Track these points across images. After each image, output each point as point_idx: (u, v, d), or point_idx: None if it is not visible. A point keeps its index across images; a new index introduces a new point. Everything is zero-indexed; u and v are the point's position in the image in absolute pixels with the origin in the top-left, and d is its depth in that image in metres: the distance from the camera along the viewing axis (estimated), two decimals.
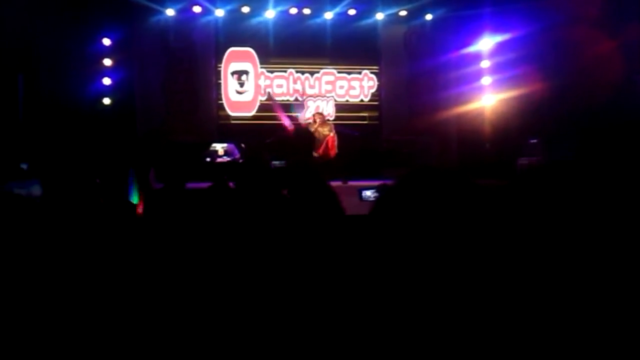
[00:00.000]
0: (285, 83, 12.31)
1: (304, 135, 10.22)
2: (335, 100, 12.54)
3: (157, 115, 11.41)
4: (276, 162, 10.00)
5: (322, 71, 12.45)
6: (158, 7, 11.43)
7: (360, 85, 12.71)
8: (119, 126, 10.58)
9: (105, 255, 1.72)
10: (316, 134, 10.34)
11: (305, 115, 12.11)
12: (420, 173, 0.93)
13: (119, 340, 1.33)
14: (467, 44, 11.94)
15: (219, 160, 10.85)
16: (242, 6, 11.72)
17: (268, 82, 12.20)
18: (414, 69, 12.57)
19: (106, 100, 10.85)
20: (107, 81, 10.83)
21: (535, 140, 10.27)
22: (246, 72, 12.08)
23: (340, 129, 11.01)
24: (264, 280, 1.36)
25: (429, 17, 12.58)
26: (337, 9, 12.14)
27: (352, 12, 12.22)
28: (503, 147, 11.02)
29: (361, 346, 0.88)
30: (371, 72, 12.73)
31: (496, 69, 11.73)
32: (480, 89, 12.08)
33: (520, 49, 10.57)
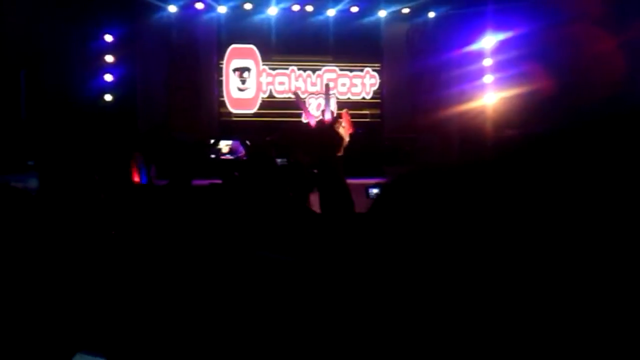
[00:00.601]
0: (287, 80, 12.30)
1: (331, 134, 10.25)
2: (337, 98, 12.54)
3: (158, 112, 11.42)
4: (278, 160, 10.00)
5: (324, 68, 12.44)
6: (160, 4, 11.43)
7: (362, 83, 12.70)
8: (121, 122, 10.58)
9: (103, 250, 1.72)
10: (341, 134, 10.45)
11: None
12: (419, 171, 0.93)
13: (117, 336, 1.33)
14: (470, 41, 11.93)
15: (222, 157, 10.85)
16: (245, 3, 11.71)
17: (270, 79, 12.20)
18: (416, 67, 12.57)
19: (108, 97, 10.85)
20: (109, 78, 10.84)
21: None
22: (248, 69, 12.08)
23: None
24: (268, 278, 1.36)
25: (431, 14, 12.56)
26: (340, 6, 12.13)
27: (354, 9, 12.21)
28: None
29: (362, 346, 0.87)
30: (373, 70, 12.72)
31: (498, 67, 11.71)
32: (483, 87, 12.06)
33: (523, 47, 10.55)
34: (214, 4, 11.70)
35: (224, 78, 12.02)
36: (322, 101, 12.43)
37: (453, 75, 12.07)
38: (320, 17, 12.23)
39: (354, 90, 12.67)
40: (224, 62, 11.99)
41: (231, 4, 11.74)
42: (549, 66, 9.89)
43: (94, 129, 10.04)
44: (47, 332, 1.43)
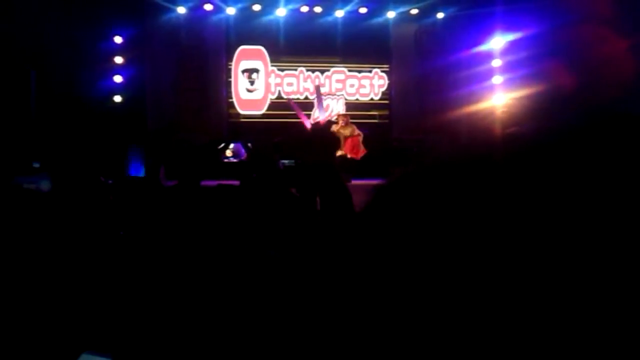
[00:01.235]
0: (295, 81, 12.31)
1: (325, 134, 10.26)
2: (346, 99, 12.53)
3: (167, 113, 11.45)
4: (285, 161, 10.02)
5: (332, 69, 12.44)
6: (169, 5, 11.47)
7: (370, 84, 12.69)
8: (130, 124, 10.62)
9: (112, 251, 1.73)
10: (337, 135, 10.53)
11: (315, 115, 12.12)
12: (417, 171, 0.92)
13: (124, 336, 1.34)
14: (478, 42, 11.89)
15: (226, 160, 10.86)
16: (253, 4, 11.74)
17: (278, 80, 12.21)
18: (425, 68, 12.54)
19: (117, 98, 10.90)
20: (118, 79, 10.89)
21: None
22: (257, 71, 12.09)
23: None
24: (272, 279, 1.36)
25: (440, 15, 12.53)
26: (348, 7, 12.12)
27: (363, 10, 12.20)
28: None
29: (365, 346, 0.87)
30: (382, 71, 12.70)
31: (507, 68, 11.67)
32: (491, 88, 12.02)
33: (532, 48, 10.50)
34: (222, 5, 11.73)
35: (232, 79, 12.04)
36: (330, 102, 12.43)
37: (462, 76, 12.03)
38: (329, 18, 12.23)
39: (362, 91, 12.66)
40: (233, 63, 12.01)
41: (240, 5, 11.77)
42: (558, 67, 9.84)
43: (103, 130, 10.08)
44: (55, 331, 1.43)
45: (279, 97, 12.15)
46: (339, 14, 12.20)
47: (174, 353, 1.28)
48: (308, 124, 10.98)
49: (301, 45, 12.03)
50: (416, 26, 12.72)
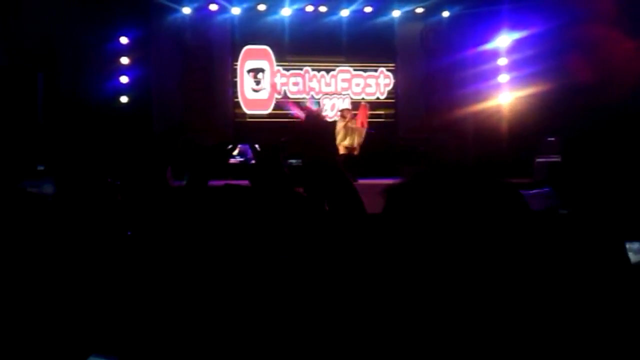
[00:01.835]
0: (301, 81, 12.31)
1: (318, 121, 10.28)
2: (352, 98, 12.52)
3: (173, 114, 11.48)
4: (293, 161, 10.02)
5: (338, 69, 12.44)
6: (175, 6, 11.49)
7: (376, 83, 12.68)
8: (136, 124, 10.66)
9: (119, 252, 1.73)
10: (347, 129, 10.60)
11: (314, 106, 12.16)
12: (432, 172, 0.93)
13: (131, 338, 1.34)
14: (484, 41, 11.86)
15: (232, 161, 10.86)
16: (259, 4, 11.74)
17: (284, 79, 12.22)
18: (431, 67, 12.51)
19: (123, 99, 10.93)
20: (124, 79, 10.92)
21: (552, 139, 10.17)
22: (262, 70, 12.10)
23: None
24: (280, 280, 1.36)
25: (445, 14, 12.50)
26: (354, 7, 12.11)
27: (368, 9, 12.19)
28: (520, 145, 10.92)
29: (374, 347, 0.87)
30: (387, 70, 12.69)
31: (513, 67, 11.64)
32: (498, 86, 11.99)
33: (538, 46, 10.47)
34: (227, 5, 11.74)
35: (238, 79, 12.06)
36: (336, 102, 12.43)
37: (468, 74, 12.00)
38: (334, 18, 12.23)
39: (368, 90, 12.65)
40: (238, 63, 12.02)
41: (245, 5, 11.78)
42: (564, 66, 9.80)
43: (110, 130, 10.12)
44: (62, 334, 1.44)
45: (285, 96, 12.15)
46: (344, 13, 12.19)
47: (181, 355, 1.28)
48: (299, 113, 11.02)
49: (306, 44, 12.02)
50: (422, 25, 12.70)
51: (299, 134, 10.49)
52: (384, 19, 12.48)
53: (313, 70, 12.32)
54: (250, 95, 12.12)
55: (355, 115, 10.99)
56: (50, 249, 1.60)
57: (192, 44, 11.76)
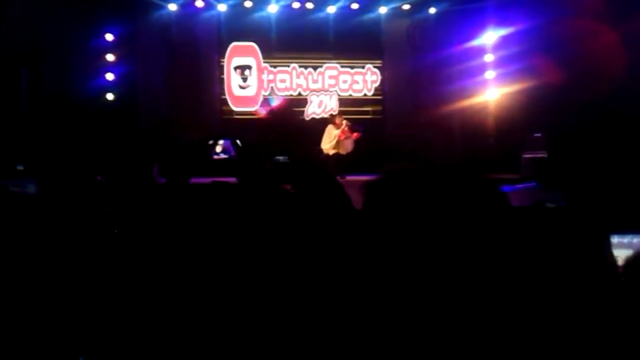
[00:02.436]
0: (288, 78, 12.28)
1: (284, 115, 10.29)
2: (339, 95, 12.52)
3: (160, 111, 11.41)
4: (280, 158, 10.00)
5: (325, 66, 12.43)
6: (160, 2, 11.42)
7: (363, 80, 12.69)
8: (122, 121, 10.58)
9: (105, 251, 1.72)
10: (343, 135, 10.68)
11: (308, 111, 12.15)
12: (409, 167, 0.93)
13: (117, 341, 1.33)
14: (471, 37, 11.90)
15: (215, 157, 10.80)
16: (245, 1, 11.69)
17: (271, 76, 12.18)
18: (418, 63, 12.54)
19: (109, 96, 10.85)
20: (110, 76, 10.83)
21: (539, 135, 10.24)
22: (249, 67, 12.06)
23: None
24: (269, 279, 1.35)
25: (432, 10, 12.53)
26: (340, 3, 12.10)
27: (355, 6, 12.18)
28: (507, 141, 10.99)
29: (365, 345, 0.87)
30: (374, 67, 12.70)
31: (500, 63, 11.69)
32: (484, 82, 12.04)
33: (524, 43, 10.52)
34: (214, 2, 11.68)
35: (225, 76, 12.00)
36: (323, 98, 12.42)
37: (454, 71, 12.04)
38: (321, 14, 12.21)
39: (355, 87, 12.65)
40: (225, 60, 11.97)
41: (231, 1, 11.73)
42: (550, 62, 9.87)
43: (95, 127, 10.03)
44: (48, 336, 1.42)
45: (273, 93, 12.12)
46: (331, 9, 12.17)
47: (168, 354, 1.27)
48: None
49: (293, 41, 12.00)
50: (408, 21, 12.72)
51: (268, 133, 10.49)
52: (370, 15, 12.48)
53: (300, 67, 12.30)
54: (238, 92, 12.08)
55: (347, 127, 11.03)
56: (34, 249, 1.58)
57: (178, 41, 11.69)
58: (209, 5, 11.68)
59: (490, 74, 11.97)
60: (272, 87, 12.04)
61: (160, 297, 1.38)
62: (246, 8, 11.78)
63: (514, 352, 0.85)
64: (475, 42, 11.95)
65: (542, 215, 1.15)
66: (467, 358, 0.82)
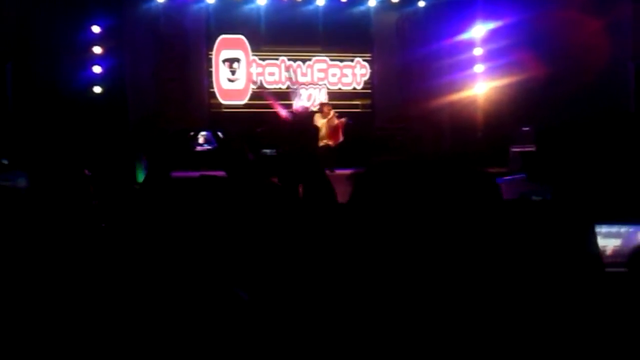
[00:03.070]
0: (277, 71, 12.25)
1: (305, 124, 10.24)
2: (328, 88, 12.50)
3: (148, 104, 11.32)
4: (267, 151, 9.99)
5: (314, 59, 12.40)
6: None
7: (352, 73, 12.67)
8: (110, 114, 10.49)
9: (93, 244, 1.71)
10: (329, 123, 10.62)
11: (299, 104, 12.11)
12: (387, 163, 0.93)
13: (105, 340, 1.32)
14: (460, 31, 11.91)
15: (199, 148, 10.73)
16: None
17: (260, 69, 12.14)
18: (407, 57, 12.54)
19: (97, 89, 10.75)
20: (97, 69, 10.73)
21: (527, 128, 10.29)
22: (238, 60, 12.01)
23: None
24: (257, 273, 1.35)
25: (421, 4, 12.52)
26: None
27: None
28: (495, 135, 11.04)
29: (355, 340, 0.87)
30: (364, 60, 12.68)
31: (489, 57, 11.71)
32: (473, 76, 12.06)
33: (513, 36, 10.55)
34: None
35: (213, 69, 11.95)
36: (312, 92, 12.40)
37: (443, 64, 12.05)
38: (310, 7, 12.17)
39: (344, 80, 12.64)
40: (214, 52, 11.91)
41: None
42: (539, 55, 9.91)
43: (83, 121, 9.95)
44: (37, 330, 1.42)
45: (261, 86, 12.08)
46: (320, 2, 12.13)
47: (157, 349, 1.27)
48: (285, 113, 10.94)
49: (282, 34, 11.95)
50: (397, 15, 12.71)
51: (280, 127, 10.42)
52: (360, 8, 12.46)
53: (289, 60, 12.26)
54: (226, 85, 12.03)
55: (333, 112, 10.99)
56: (24, 242, 1.57)
57: (166, 33, 11.60)
58: None
59: (479, 68, 12.00)
60: (289, 76, 11.98)
61: (149, 291, 1.37)
62: (235, 0, 11.72)
63: (500, 342, 0.85)
64: (465, 36, 11.97)
65: (527, 209, 1.16)
66: (456, 348, 0.83)
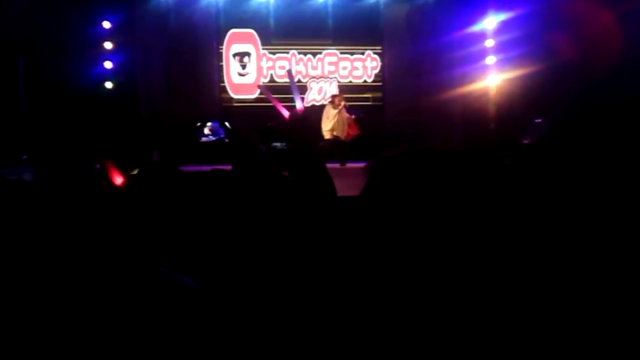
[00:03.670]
0: (287, 64, 12.23)
1: (304, 123, 10.20)
2: (338, 82, 12.47)
3: (159, 99, 11.36)
4: (277, 144, 9.99)
5: (324, 52, 12.36)
6: None
7: (363, 66, 12.63)
8: (122, 110, 10.54)
9: (98, 240, 1.71)
10: (340, 114, 10.48)
11: (309, 98, 12.09)
12: (412, 150, 0.91)
13: (114, 334, 1.32)
14: (471, 22, 11.81)
15: (204, 139, 10.74)
16: None
17: (270, 63, 12.12)
18: (418, 49, 12.46)
19: (108, 84, 10.80)
20: (108, 65, 10.77)
21: (540, 120, 10.20)
22: (248, 54, 12.01)
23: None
24: (265, 263, 1.34)
25: None
26: None
27: None
28: (507, 127, 10.95)
29: (360, 335, 0.86)
30: (374, 53, 12.63)
31: (500, 48, 11.62)
32: (485, 68, 11.97)
33: (525, 27, 10.45)
34: None
35: (224, 63, 11.95)
36: (323, 85, 12.37)
37: (455, 57, 11.97)
38: (320, 0, 12.12)
39: (355, 73, 12.60)
40: (224, 47, 11.91)
41: None
42: (551, 46, 9.81)
43: (95, 116, 10.00)
44: (46, 324, 1.41)
45: (271, 80, 12.07)
46: None
47: (162, 346, 1.26)
48: (285, 112, 10.90)
49: (292, 28, 11.93)
50: (408, 7, 12.63)
51: (284, 130, 10.42)
52: (370, 1, 12.39)
53: (299, 53, 12.24)
54: (237, 79, 12.03)
55: (344, 104, 10.89)
56: (31, 237, 1.57)
57: (176, 28, 11.62)
58: None
59: (491, 60, 11.90)
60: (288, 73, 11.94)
61: (160, 285, 1.37)
62: None
63: (514, 334, 0.83)
64: (476, 28, 11.87)
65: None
66: (466, 344, 0.81)
